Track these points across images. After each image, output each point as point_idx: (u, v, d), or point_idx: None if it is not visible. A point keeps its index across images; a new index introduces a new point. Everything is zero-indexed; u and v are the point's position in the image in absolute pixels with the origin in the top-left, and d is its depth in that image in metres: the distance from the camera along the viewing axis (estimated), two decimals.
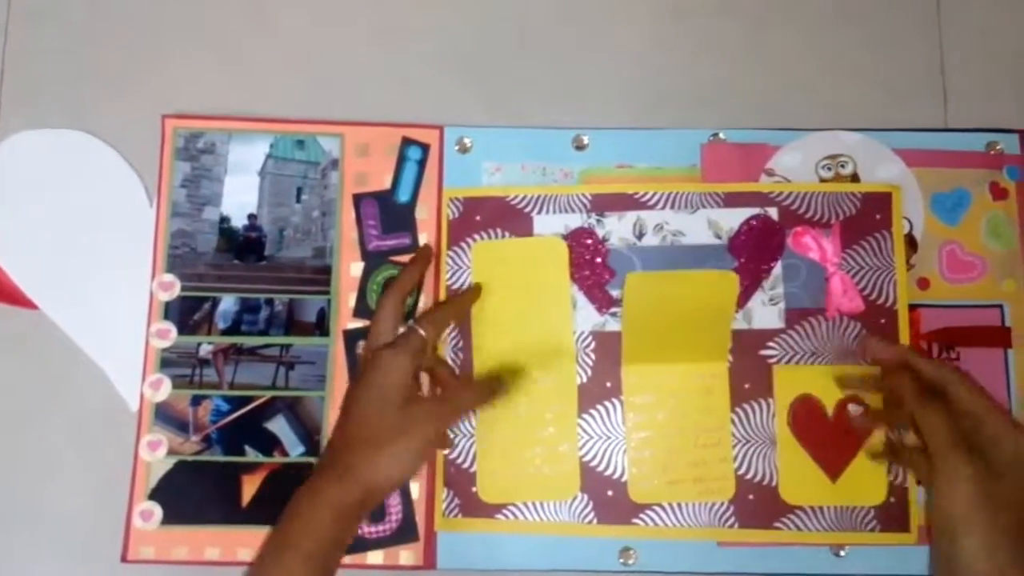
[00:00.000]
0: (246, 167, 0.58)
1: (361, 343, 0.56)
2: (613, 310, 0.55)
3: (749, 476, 0.53)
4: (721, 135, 0.58)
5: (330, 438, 0.50)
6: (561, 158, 0.58)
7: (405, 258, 0.57)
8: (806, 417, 0.54)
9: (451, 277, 0.56)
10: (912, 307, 0.55)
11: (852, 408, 0.53)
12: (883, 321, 0.55)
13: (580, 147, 0.59)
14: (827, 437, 0.53)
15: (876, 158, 0.57)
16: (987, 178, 0.57)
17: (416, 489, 0.54)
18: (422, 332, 0.51)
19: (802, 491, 0.53)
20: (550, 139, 0.59)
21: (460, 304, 0.55)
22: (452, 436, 0.55)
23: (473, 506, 0.54)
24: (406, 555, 0.54)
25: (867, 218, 0.56)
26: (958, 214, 0.57)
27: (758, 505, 0.53)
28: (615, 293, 0.55)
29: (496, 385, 0.53)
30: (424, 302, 0.57)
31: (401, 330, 0.51)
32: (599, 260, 0.56)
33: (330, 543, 0.46)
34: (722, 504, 0.53)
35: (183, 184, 0.58)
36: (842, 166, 0.57)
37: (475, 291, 0.56)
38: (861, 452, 0.53)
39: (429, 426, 0.48)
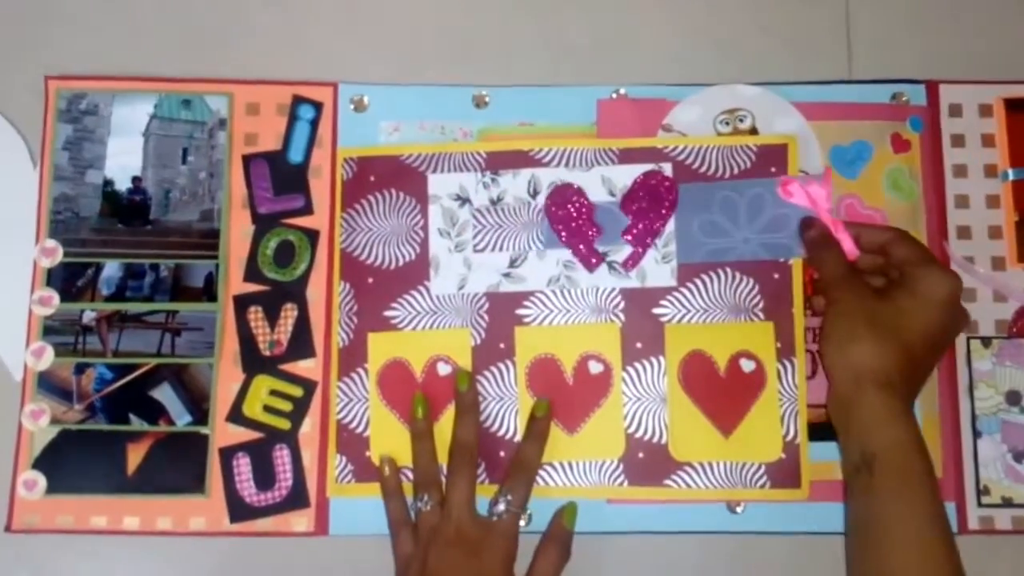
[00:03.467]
0: (129, 128, 0.56)
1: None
2: (506, 271, 0.54)
3: (639, 434, 0.53)
4: (623, 91, 0.57)
5: None
6: (461, 116, 0.57)
7: (298, 220, 0.56)
8: (698, 373, 0.53)
9: (344, 240, 0.55)
10: None
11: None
12: (776, 276, 0.54)
13: (480, 105, 0.57)
14: (719, 392, 0.53)
15: (774, 112, 0.56)
16: (889, 130, 0.56)
17: (308, 456, 0.54)
18: (516, 513, 0.49)
19: (692, 448, 0.53)
20: (450, 97, 0.57)
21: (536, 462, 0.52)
22: (340, 400, 0.53)
23: (366, 471, 0.53)
24: (297, 521, 0.53)
25: (762, 171, 0.54)
26: (857, 167, 0.56)
27: (647, 463, 0.52)
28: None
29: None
30: (319, 264, 0.55)
31: (500, 507, 0.49)
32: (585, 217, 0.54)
33: None
34: (612, 462, 0.53)
35: (65, 147, 0.56)
36: (740, 120, 0.56)
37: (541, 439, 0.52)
38: (755, 405, 0.53)
39: None
